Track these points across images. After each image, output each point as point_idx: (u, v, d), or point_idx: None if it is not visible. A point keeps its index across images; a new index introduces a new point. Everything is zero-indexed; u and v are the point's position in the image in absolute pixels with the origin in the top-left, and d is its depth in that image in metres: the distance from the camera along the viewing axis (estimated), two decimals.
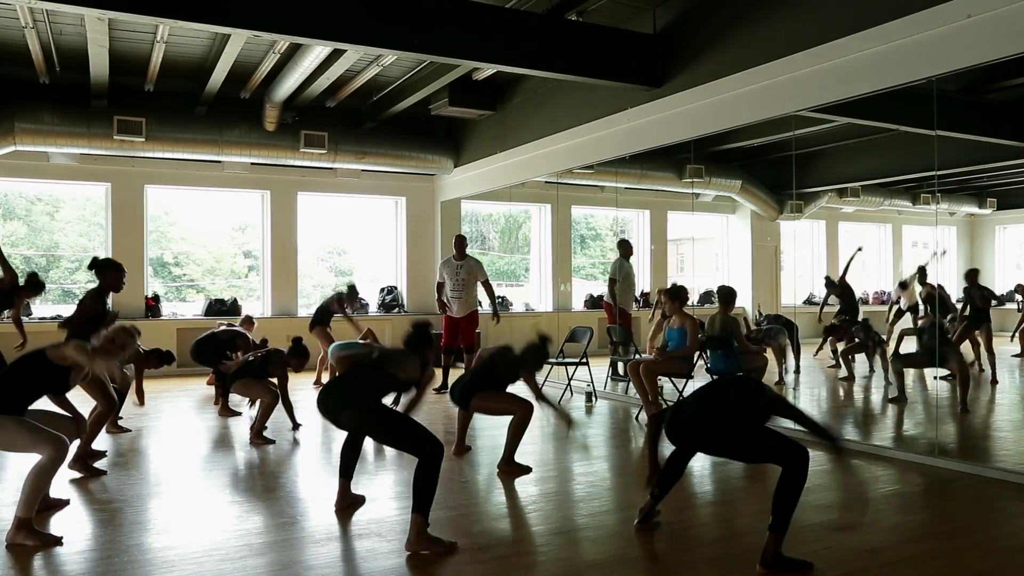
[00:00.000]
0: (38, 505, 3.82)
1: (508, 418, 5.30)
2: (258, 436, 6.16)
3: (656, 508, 3.97)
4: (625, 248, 9.20)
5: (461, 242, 8.99)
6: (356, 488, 4.50)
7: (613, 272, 9.11)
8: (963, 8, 4.86)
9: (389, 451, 6.00)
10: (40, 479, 3.74)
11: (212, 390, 8.34)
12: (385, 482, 5.02)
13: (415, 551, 3.59)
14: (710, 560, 3.60)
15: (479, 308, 9.20)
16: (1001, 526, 4.21)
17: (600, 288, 13.14)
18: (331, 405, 3.95)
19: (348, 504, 4.34)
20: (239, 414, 7.31)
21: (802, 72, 6.01)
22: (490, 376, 5.34)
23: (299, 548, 3.73)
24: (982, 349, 7.88)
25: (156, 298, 10.88)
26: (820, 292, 10.60)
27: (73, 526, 4.05)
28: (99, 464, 5.25)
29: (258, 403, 6.53)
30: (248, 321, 9.36)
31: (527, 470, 5.19)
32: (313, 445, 6.26)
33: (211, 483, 5.05)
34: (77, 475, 4.97)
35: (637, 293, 10.19)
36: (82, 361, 3.88)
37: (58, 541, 3.74)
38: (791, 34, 6.02)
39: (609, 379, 8.80)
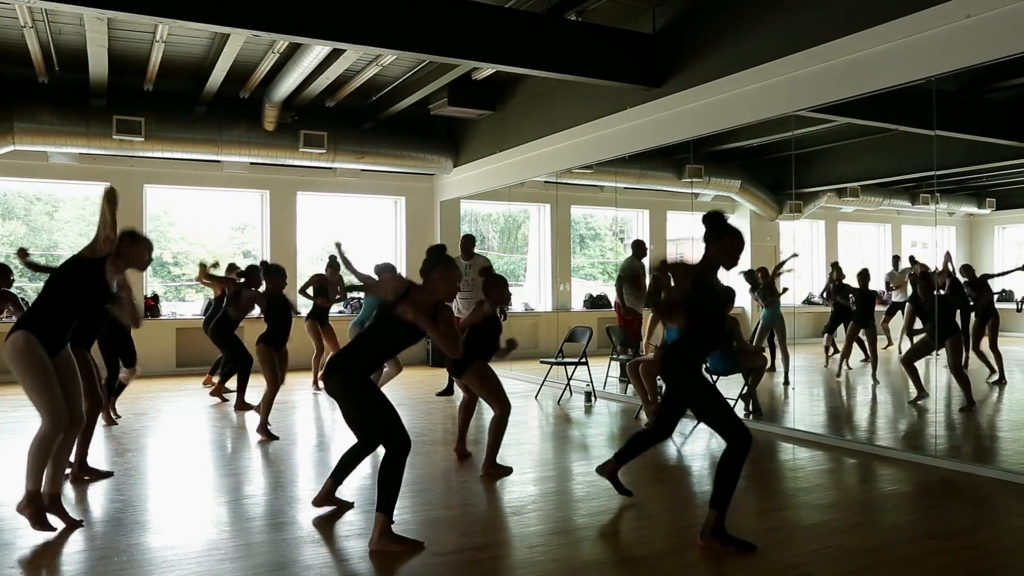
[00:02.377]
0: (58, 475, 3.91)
1: (509, 419, 5.32)
2: (263, 431, 6.24)
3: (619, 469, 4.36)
4: (639, 248, 9.13)
5: (469, 242, 8.89)
6: (356, 487, 4.52)
7: (623, 271, 8.96)
8: (962, 8, 4.87)
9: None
10: (41, 450, 3.76)
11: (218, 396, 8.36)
12: None
13: (378, 550, 3.58)
14: (709, 560, 3.60)
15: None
16: (1000, 526, 4.21)
17: (599, 288, 13.13)
18: (328, 373, 3.81)
19: (328, 503, 4.25)
20: (226, 400, 7.88)
21: (801, 72, 6.01)
22: (479, 338, 5.12)
23: (297, 548, 3.73)
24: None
25: (155, 298, 10.88)
26: (819, 292, 10.58)
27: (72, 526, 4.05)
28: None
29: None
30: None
31: (508, 471, 5.13)
32: (312, 445, 6.25)
33: (210, 483, 5.05)
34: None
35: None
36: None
37: (51, 528, 3.81)
38: (790, 34, 6.02)
39: (617, 380, 8.78)
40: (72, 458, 4.60)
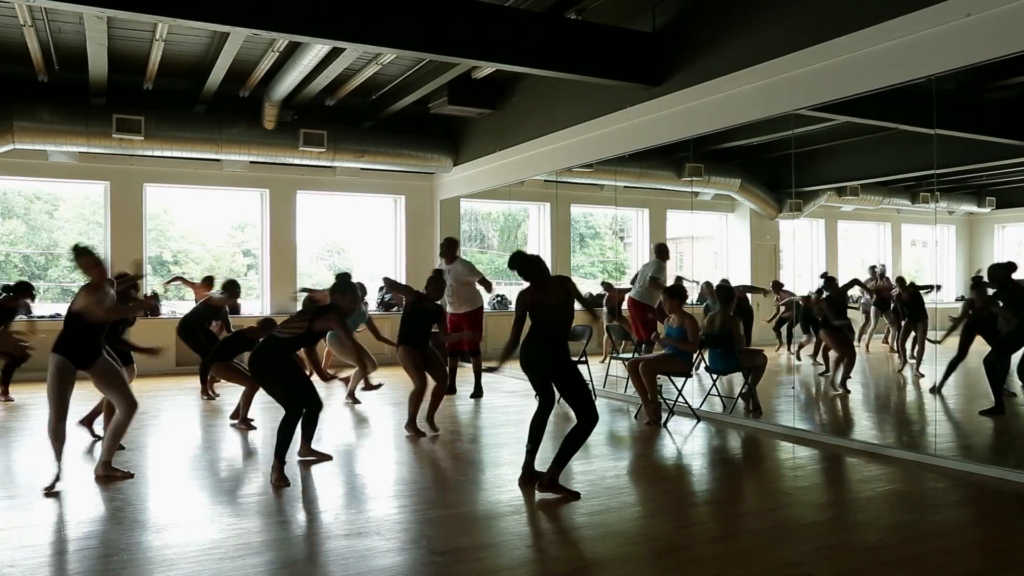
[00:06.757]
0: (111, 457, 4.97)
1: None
2: (243, 420, 6.66)
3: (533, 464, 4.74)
4: (661, 251, 9.12)
5: (448, 245, 8.72)
6: (356, 486, 4.57)
7: (656, 273, 8.88)
8: (963, 7, 4.87)
9: (389, 452, 6.01)
10: (117, 430, 4.87)
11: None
12: (385, 481, 5.02)
13: (275, 484, 4.67)
14: (708, 558, 3.60)
15: (483, 306, 9.03)
16: (999, 525, 4.21)
17: (599, 287, 13.12)
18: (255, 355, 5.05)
19: (310, 455, 5.33)
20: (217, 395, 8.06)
21: (801, 70, 6.00)
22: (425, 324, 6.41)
23: (297, 547, 3.73)
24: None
25: (155, 296, 10.87)
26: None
27: (72, 524, 4.06)
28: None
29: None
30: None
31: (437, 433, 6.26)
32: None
33: (209, 481, 5.05)
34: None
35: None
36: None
37: (129, 475, 4.91)
38: (790, 32, 6.02)
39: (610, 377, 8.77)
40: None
